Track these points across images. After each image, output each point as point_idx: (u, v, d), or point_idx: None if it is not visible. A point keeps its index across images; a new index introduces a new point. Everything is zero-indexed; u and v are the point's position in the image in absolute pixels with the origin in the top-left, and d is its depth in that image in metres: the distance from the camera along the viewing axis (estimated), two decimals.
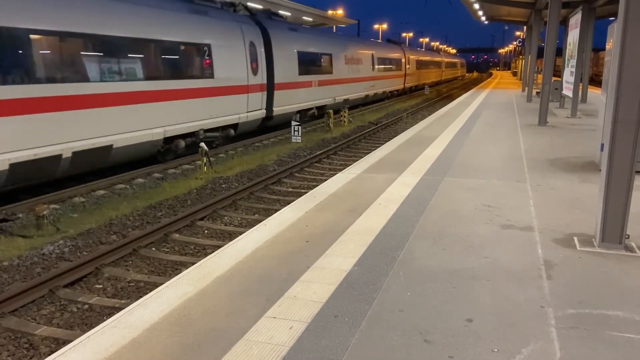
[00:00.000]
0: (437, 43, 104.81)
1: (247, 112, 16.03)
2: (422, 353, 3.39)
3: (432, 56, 56.01)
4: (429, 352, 3.40)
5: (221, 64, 14.37)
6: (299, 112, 20.22)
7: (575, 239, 5.54)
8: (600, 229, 5.23)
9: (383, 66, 32.69)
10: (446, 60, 67.53)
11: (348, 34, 30.57)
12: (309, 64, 20.87)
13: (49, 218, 8.40)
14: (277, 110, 18.23)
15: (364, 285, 4.38)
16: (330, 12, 35.56)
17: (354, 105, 28.32)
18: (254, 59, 16.18)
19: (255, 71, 16.18)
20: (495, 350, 3.42)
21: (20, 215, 8.74)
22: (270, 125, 17.98)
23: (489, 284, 4.43)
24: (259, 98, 16.71)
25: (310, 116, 21.77)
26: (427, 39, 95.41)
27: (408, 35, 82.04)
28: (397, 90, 37.69)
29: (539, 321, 3.79)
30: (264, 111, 17.25)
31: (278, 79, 18.05)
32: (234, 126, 15.49)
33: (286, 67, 18.70)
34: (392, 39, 44.48)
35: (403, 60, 38.66)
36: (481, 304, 4.06)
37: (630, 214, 5.18)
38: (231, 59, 14.95)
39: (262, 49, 16.83)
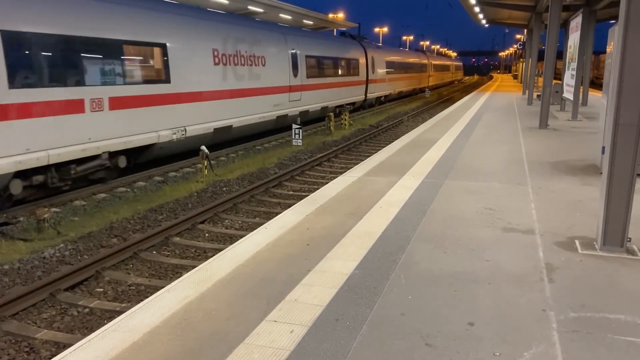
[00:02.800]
0: (438, 46, 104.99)
1: None
2: (423, 357, 3.37)
3: (412, 57, 43.96)
4: (431, 355, 3.38)
5: None
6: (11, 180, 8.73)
7: (577, 242, 5.53)
8: (602, 232, 5.22)
9: (320, 70, 21.86)
10: (434, 62, 55.64)
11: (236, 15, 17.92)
12: (68, 63, 9.74)
13: (50, 221, 8.41)
14: None
15: (365, 289, 4.37)
16: (330, 15, 35.61)
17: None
18: None
19: None
20: (497, 353, 3.40)
21: (21, 219, 8.74)
22: None
23: (490, 287, 4.42)
24: None
25: (102, 168, 10.64)
26: (427, 42, 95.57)
27: (409, 38, 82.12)
28: (352, 104, 26.32)
29: (541, 325, 3.78)
30: None
31: None
32: None
33: None
34: (347, 32, 30.36)
35: (363, 61, 27.73)
36: (483, 307, 4.05)
37: (631, 217, 5.17)
38: None
39: None
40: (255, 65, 16.32)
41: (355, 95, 26.73)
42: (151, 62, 12.03)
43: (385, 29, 65.60)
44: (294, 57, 19.25)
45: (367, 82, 28.60)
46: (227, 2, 16.64)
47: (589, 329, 3.73)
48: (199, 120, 13.41)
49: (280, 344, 3.51)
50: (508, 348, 3.47)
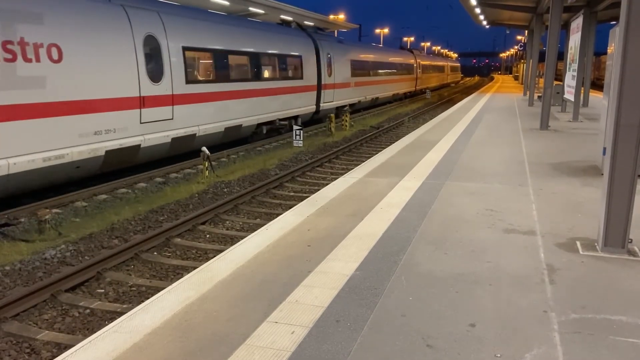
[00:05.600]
0: (439, 47, 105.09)
1: None
2: (424, 358, 3.37)
3: (393, 56, 36.88)
4: (432, 357, 3.38)
5: None
6: None
7: (578, 243, 5.52)
8: (603, 233, 5.21)
9: (220, 71, 14.47)
10: (424, 62, 47.18)
11: None
12: None
13: (51, 222, 8.41)
14: None
15: (365, 290, 4.36)
16: (331, 16, 35.62)
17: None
18: None
19: None
20: (498, 355, 3.40)
21: (23, 220, 8.75)
22: None
23: (491, 288, 4.41)
24: None
25: None
26: (428, 43, 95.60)
27: (410, 39, 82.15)
28: (293, 118, 19.38)
29: (542, 326, 3.77)
30: None
31: None
32: None
33: None
34: (286, 19, 22.17)
35: (312, 59, 21.10)
36: (484, 308, 4.05)
37: (633, 217, 5.17)
38: None
39: None
40: (27, 60, 8.60)
41: (297, 105, 19.48)
42: None
43: (386, 30, 65.73)
44: (153, 48, 11.59)
45: (320, 87, 21.73)
46: (227, 3, 16.67)
47: (590, 330, 3.72)
48: None
49: (281, 345, 3.51)
50: (509, 349, 3.47)
